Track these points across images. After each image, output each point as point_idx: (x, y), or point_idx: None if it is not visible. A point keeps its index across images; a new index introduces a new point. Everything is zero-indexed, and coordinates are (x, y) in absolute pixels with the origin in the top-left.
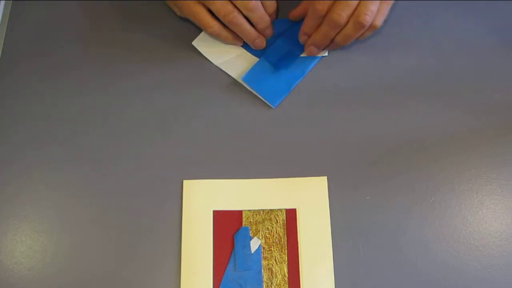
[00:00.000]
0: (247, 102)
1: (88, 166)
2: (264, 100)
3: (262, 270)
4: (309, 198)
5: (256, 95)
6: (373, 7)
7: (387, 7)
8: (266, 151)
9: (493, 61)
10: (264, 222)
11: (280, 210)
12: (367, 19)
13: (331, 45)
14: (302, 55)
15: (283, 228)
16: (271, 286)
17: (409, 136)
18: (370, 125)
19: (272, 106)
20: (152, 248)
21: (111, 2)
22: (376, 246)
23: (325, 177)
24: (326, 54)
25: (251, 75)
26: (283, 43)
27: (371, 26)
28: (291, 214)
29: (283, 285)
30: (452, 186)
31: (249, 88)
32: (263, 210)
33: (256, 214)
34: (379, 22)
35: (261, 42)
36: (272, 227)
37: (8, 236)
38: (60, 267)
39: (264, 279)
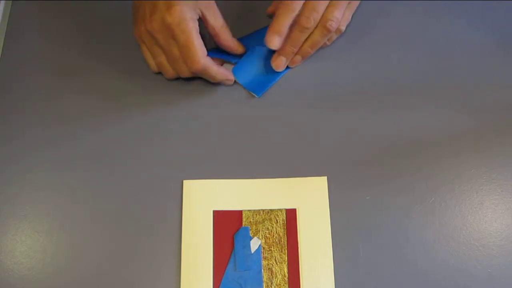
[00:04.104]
0: (248, 103)
1: (88, 166)
2: (253, 94)
3: (262, 270)
4: (309, 198)
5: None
6: (338, 13)
7: (349, 12)
8: (266, 151)
9: (492, 61)
10: (264, 222)
11: (280, 210)
12: (333, 25)
13: (296, 55)
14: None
15: (283, 228)
16: (271, 286)
17: (409, 136)
18: (370, 125)
19: (256, 95)
20: (152, 248)
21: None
22: (376, 246)
23: (325, 177)
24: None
25: (238, 67)
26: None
27: (337, 30)
28: (291, 214)
29: (283, 285)
30: (452, 186)
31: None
32: (263, 210)
33: (256, 214)
34: (343, 27)
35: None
36: (272, 227)
37: (8, 236)
38: (60, 267)
39: (264, 279)
